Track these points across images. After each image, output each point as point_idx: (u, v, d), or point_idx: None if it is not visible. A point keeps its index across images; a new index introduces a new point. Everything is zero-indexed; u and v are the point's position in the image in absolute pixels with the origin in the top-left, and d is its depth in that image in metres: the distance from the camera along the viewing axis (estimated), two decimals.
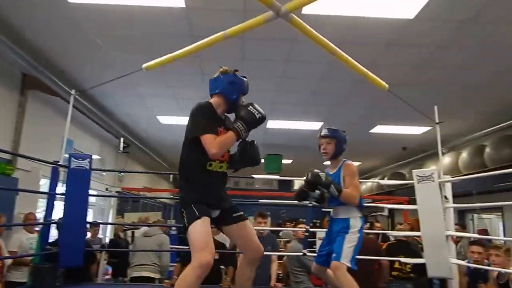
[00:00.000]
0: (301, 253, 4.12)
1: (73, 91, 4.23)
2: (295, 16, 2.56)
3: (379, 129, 8.00)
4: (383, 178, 11.40)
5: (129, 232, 7.01)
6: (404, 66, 5.01)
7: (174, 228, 6.65)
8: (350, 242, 2.58)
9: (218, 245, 4.52)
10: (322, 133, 2.92)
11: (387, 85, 3.55)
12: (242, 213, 2.41)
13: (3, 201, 4.56)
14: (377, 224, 8.58)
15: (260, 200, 4.77)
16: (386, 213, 10.75)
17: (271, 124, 7.87)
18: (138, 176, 11.46)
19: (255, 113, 2.34)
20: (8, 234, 4.44)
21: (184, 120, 8.11)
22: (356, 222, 2.68)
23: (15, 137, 5.27)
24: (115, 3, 3.73)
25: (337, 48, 2.90)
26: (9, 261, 3.94)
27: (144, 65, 3.45)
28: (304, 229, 4.36)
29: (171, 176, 14.02)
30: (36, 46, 4.67)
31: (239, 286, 2.44)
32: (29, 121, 5.51)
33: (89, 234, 5.18)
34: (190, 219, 2.14)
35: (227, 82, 2.43)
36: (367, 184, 12.48)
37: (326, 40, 2.78)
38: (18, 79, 5.32)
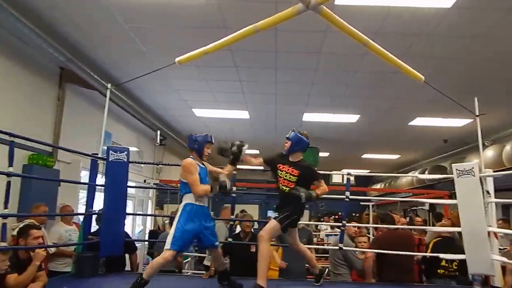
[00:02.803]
0: (337, 247, 4.14)
1: (109, 85, 4.40)
2: (325, 8, 2.53)
3: (419, 121, 7.80)
4: (423, 172, 11.04)
5: (167, 224, 7.25)
6: (442, 57, 4.85)
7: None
8: None
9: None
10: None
11: (423, 77, 3.44)
12: None
13: (46, 192, 4.76)
14: (418, 219, 8.28)
15: None
16: (426, 207, 10.43)
17: (307, 116, 7.83)
18: (176, 167, 11.68)
19: None
20: (50, 225, 4.64)
21: (218, 113, 8.15)
22: None
23: (55, 129, 5.48)
24: None
25: (370, 40, 2.85)
26: (52, 251, 4.08)
27: (177, 59, 3.52)
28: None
29: None
30: (73, 40, 4.85)
31: None
32: (68, 114, 5.69)
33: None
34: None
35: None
36: (407, 178, 12.13)
37: (358, 32, 2.74)
38: (56, 73, 5.49)
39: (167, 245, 3.00)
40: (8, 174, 2.81)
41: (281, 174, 3.33)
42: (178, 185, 3.44)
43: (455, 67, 5.13)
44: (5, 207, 2.80)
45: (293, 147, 3.35)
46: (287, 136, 3.38)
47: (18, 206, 4.29)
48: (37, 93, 5.13)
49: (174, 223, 3.11)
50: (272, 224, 3.23)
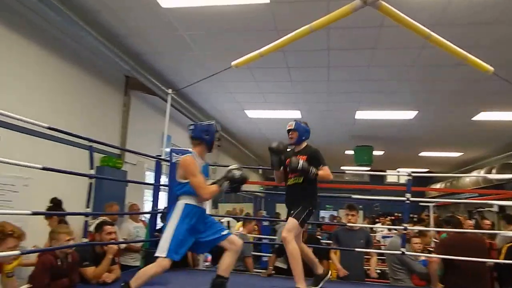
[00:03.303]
0: (399, 252, 3.94)
1: (169, 90, 4.65)
2: (383, 3, 2.46)
3: (484, 116, 7.37)
4: (490, 170, 10.28)
5: (224, 222, 7.43)
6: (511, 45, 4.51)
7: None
8: None
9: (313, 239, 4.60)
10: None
11: (492, 68, 3.20)
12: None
13: (116, 192, 5.18)
14: (486, 222, 7.65)
15: (352, 196, 4.68)
16: (495, 209, 9.66)
17: (360, 114, 7.68)
18: None
19: None
20: (119, 222, 5.01)
21: (270, 114, 8.20)
22: None
23: (122, 133, 5.97)
24: (203, 4, 3.99)
25: (432, 32, 2.72)
26: (122, 246, 4.40)
27: (233, 63, 3.60)
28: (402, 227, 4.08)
29: (260, 169, 14.45)
30: (137, 50, 5.21)
31: None
32: (133, 119, 6.17)
33: None
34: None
35: None
36: (471, 177, 11.36)
37: (419, 25, 2.62)
38: (122, 81, 6.00)
39: (163, 252, 2.54)
40: (90, 176, 3.07)
41: None
42: None
43: None
44: (87, 206, 3.06)
45: (300, 137, 3.26)
46: (289, 128, 3.26)
47: (93, 205, 4.66)
48: (105, 101, 5.62)
49: (171, 226, 2.63)
50: (291, 222, 3.07)
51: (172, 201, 3.98)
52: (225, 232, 2.77)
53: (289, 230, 3.02)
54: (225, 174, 2.81)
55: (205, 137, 2.84)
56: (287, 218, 3.18)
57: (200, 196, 2.70)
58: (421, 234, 4.68)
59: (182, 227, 2.61)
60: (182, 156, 2.78)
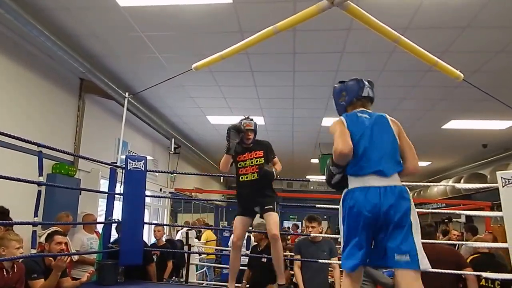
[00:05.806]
0: None
1: (126, 94, 4.61)
2: (351, 4, 2.49)
3: (454, 124, 7.60)
4: (458, 180, 10.72)
5: (183, 232, 7.30)
6: (485, 51, 4.66)
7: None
8: None
9: None
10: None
11: (462, 74, 3.32)
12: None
13: (68, 201, 5.15)
14: (455, 232, 7.87)
15: (317, 205, 4.74)
16: (462, 220, 10.09)
17: (327, 121, 7.80)
18: (189, 176, 11.93)
19: None
20: (72, 233, 4.94)
21: (233, 120, 8.27)
22: None
23: (76, 139, 5.91)
24: (163, 3, 4.00)
25: (401, 36, 2.78)
26: (75, 258, 4.40)
27: (194, 65, 3.60)
28: None
29: (222, 177, 14.39)
30: (92, 52, 5.17)
31: None
32: (87, 123, 6.12)
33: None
34: None
35: None
36: (439, 187, 11.83)
37: (388, 28, 2.67)
38: (76, 84, 5.94)
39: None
40: (39, 184, 3.03)
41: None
42: (193, 193, 3.61)
43: (501, 62, 4.89)
44: (35, 215, 3.04)
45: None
46: (248, 128, 3.64)
47: (43, 214, 4.65)
48: (59, 104, 5.55)
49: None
50: (276, 218, 3.30)
51: (130, 210, 3.91)
52: None
53: (277, 227, 3.25)
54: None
55: None
56: (261, 214, 3.35)
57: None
58: None
59: None
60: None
